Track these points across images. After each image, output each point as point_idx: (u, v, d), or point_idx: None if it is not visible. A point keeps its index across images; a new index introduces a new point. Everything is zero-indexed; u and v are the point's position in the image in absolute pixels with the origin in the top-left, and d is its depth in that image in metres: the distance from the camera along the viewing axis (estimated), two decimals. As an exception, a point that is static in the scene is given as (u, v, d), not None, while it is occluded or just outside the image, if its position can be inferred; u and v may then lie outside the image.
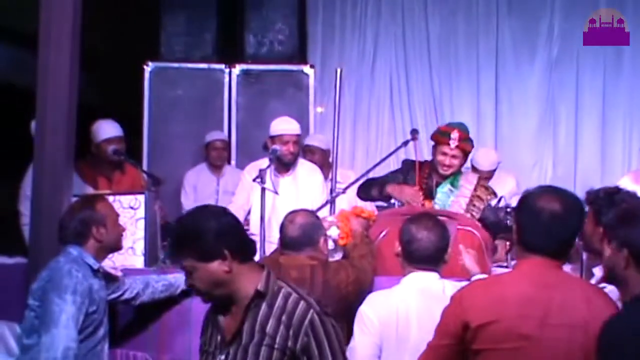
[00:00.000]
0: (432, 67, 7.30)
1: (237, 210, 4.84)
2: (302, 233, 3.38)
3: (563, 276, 2.39)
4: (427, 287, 2.94)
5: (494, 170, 5.77)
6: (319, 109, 6.95)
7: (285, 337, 2.20)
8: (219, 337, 2.32)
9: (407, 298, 2.94)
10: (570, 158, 7.11)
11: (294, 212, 3.53)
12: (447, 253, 3.08)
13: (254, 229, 4.65)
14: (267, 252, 4.20)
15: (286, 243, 3.43)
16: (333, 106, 4.48)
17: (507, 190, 5.68)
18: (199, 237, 2.23)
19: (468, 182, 4.45)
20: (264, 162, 4.54)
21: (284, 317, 2.21)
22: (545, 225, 2.33)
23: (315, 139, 5.90)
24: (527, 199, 2.42)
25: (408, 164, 4.51)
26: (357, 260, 3.55)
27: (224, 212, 2.33)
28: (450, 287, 2.91)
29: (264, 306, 2.25)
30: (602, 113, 7.07)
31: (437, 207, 4.32)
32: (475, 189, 4.42)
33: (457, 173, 4.43)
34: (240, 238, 2.30)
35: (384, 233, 4.02)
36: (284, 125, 4.83)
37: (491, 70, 7.25)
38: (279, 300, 2.24)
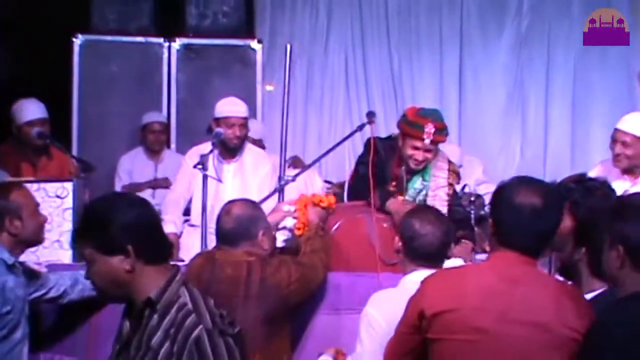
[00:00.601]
0: (391, 44, 7.30)
1: (177, 199, 4.81)
2: (237, 225, 3.34)
3: (533, 273, 2.43)
4: None
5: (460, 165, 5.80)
6: (268, 88, 6.91)
7: (169, 353, 2.11)
8: (117, 346, 2.28)
9: None
10: (540, 141, 7.18)
11: (231, 202, 3.49)
12: (451, 248, 3.11)
13: (195, 220, 4.62)
14: (209, 244, 4.16)
15: (221, 236, 3.39)
16: (282, 85, 4.42)
17: (474, 178, 5.69)
18: (104, 225, 2.16)
19: (441, 171, 4.35)
20: (207, 147, 4.49)
21: (171, 331, 2.12)
22: (525, 221, 2.38)
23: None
24: (504, 192, 2.45)
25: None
26: (307, 256, 3.52)
27: (142, 203, 2.25)
28: None
29: (155, 316, 2.16)
30: (572, 93, 7.14)
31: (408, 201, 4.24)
32: (448, 177, 4.33)
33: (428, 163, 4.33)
34: (152, 236, 2.22)
35: (337, 225, 3.99)
36: (229, 107, 4.80)
37: (455, 47, 7.28)
38: (173, 312, 2.15)
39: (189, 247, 4.51)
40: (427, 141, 4.17)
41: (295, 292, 3.29)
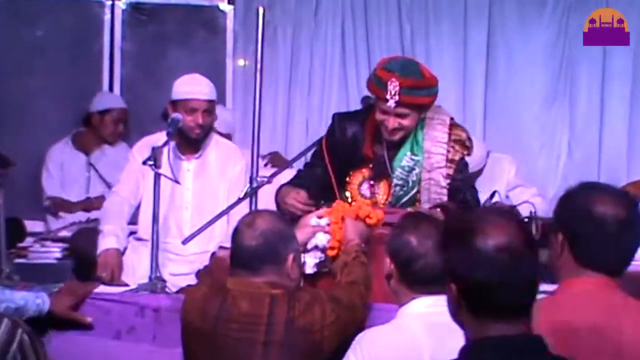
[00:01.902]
0: (402, 12, 7.29)
1: (120, 204, 4.78)
2: (264, 242, 3.25)
3: (628, 299, 2.55)
4: (439, 316, 2.89)
5: (484, 166, 5.81)
6: (241, 62, 6.91)
7: None
8: None
9: (415, 334, 2.95)
10: (593, 138, 7.12)
11: (254, 213, 3.50)
12: None
13: (143, 232, 4.60)
14: (162, 263, 4.15)
15: (238, 256, 3.29)
16: (254, 59, 4.40)
17: (505, 180, 5.67)
18: None
19: (437, 143, 4.23)
20: (161, 137, 4.47)
21: None
22: (612, 236, 2.50)
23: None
24: (578, 200, 2.57)
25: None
26: (344, 290, 3.43)
27: None
28: None
29: None
30: (632, 76, 7.12)
31: (396, 187, 4.21)
32: (447, 150, 4.22)
33: (417, 130, 4.23)
34: None
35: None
36: (190, 87, 4.79)
37: (483, 17, 7.27)
38: None
39: (135, 267, 4.49)
40: (390, 103, 4.07)
41: (330, 337, 3.22)
